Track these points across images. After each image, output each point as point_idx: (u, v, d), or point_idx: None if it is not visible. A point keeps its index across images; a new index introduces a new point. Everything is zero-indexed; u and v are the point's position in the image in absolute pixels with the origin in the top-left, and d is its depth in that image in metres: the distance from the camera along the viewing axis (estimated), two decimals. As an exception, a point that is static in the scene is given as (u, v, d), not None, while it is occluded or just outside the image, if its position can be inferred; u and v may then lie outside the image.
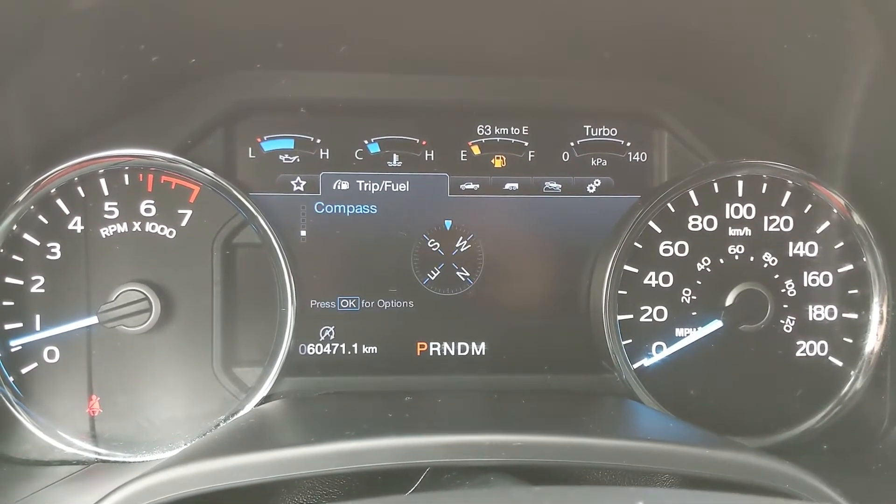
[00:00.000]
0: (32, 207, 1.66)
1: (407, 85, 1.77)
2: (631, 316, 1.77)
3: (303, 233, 1.78)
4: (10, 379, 1.66)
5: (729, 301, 1.75)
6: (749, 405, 1.78)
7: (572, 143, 1.84)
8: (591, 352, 1.82)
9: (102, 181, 1.69)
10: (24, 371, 1.67)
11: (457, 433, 1.12)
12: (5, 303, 1.66)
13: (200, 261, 1.72)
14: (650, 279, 1.78)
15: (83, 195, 1.69)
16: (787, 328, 1.78)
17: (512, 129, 1.83)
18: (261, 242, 1.73)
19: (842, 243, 1.79)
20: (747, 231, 1.78)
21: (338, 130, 1.79)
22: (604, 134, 1.84)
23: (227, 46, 1.63)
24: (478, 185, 1.82)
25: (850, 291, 1.79)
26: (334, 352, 1.80)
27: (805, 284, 1.79)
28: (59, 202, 1.68)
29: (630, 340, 1.77)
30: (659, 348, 1.78)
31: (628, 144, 1.85)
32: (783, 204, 1.79)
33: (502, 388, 1.78)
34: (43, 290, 1.67)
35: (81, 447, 1.66)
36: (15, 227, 1.65)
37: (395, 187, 1.81)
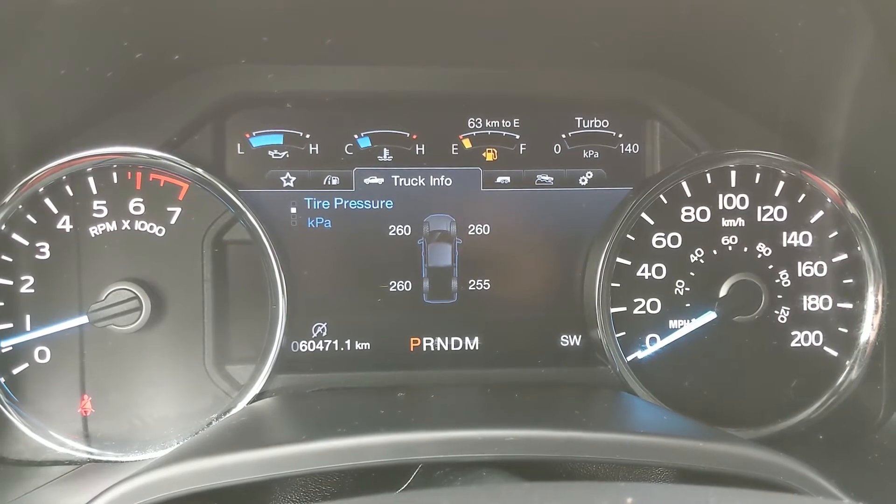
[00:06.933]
0: (20, 207, 1.65)
1: (396, 77, 1.76)
2: (624, 308, 1.76)
3: (293, 228, 1.77)
4: (2, 380, 1.65)
5: (723, 292, 1.74)
6: (744, 396, 1.77)
7: (564, 136, 1.83)
8: (584, 344, 1.82)
9: (90, 180, 1.68)
10: (15, 371, 1.66)
11: (449, 429, 1.12)
12: (-5, 303, 1.65)
13: (190, 258, 1.71)
14: (643, 271, 1.77)
15: (71, 194, 1.68)
16: (782, 319, 1.78)
17: (503, 121, 1.82)
18: (251, 239, 1.72)
19: (836, 232, 1.78)
20: (741, 221, 1.77)
21: (327, 125, 1.78)
22: (595, 126, 1.83)
23: (211, 41, 1.62)
24: (469, 179, 1.81)
25: (844, 281, 1.78)
26: (327, 348, 1.79)
27: (799, 274, 1.78)
28: (48, 201, 1.67)
29: (623, 333, 1.76)
30: (653, 340, 1.77)
31: (620, 136, 1.84)
32: (777, 194, 1.78)
33: (496, 382, 1.77)
34: (32, 290, 1.66)
35: (73, 447, 1.65)
36: (3, 227, 1.64)
37: (386, 182, 1.79)
